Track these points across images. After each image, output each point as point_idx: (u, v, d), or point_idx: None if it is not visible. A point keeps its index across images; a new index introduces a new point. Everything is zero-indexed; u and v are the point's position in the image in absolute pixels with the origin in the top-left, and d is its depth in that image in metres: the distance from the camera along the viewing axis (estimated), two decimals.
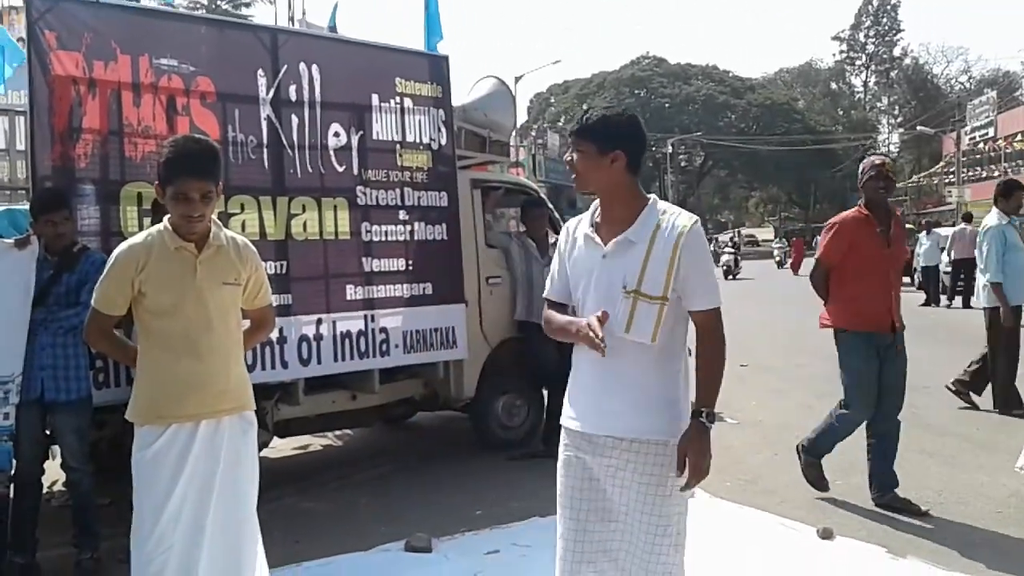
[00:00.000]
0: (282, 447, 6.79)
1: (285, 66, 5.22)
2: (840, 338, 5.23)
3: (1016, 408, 7.39)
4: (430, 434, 7.66)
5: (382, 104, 5.71)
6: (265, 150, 5.12)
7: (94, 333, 3.16)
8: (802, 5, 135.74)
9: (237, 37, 5.22)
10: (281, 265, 5.10)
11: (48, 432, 4.43)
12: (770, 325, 15.33)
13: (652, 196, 2.71)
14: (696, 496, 5.24)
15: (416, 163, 5.87)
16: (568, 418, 2.74)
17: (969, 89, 65.70)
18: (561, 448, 2.77)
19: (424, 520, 4.97)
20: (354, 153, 5.54)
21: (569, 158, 2.72)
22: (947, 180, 44.49)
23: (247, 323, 3.32)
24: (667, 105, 60.13)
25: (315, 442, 7.28)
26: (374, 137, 5.66)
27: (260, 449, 3.53)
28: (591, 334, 2.50)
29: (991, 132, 40.39)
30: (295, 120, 5.26)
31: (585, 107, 2.92)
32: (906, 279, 24.09)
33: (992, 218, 7.53)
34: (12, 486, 4.26)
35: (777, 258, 40.15)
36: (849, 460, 6.18)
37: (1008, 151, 38.05)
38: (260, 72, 5.11)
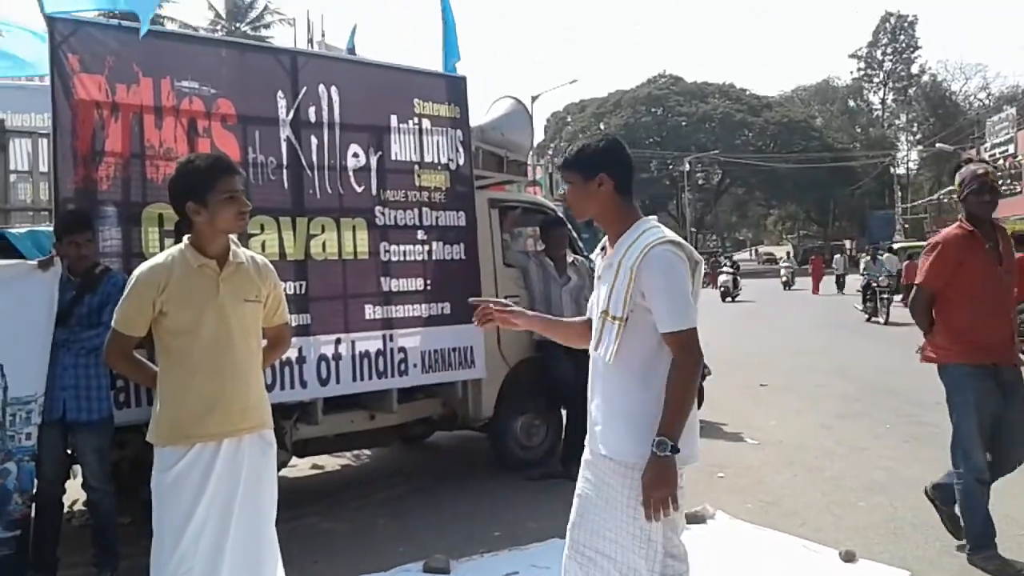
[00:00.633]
0: (301, 467, 6.80)
1: (304, 88, 5.26)
2: (950, 374, 4.46)
3: None
4: (448, 454, 7.64)
5: (400, 125, 5.75)
6: (285, 171, 5.16)
7: (114, 354, 3.16)
8: (819, 23, 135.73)
9: (257, 59, 5.28)
10: (300, 285, 5.12)
11: (69, 452, 4.46)
12: (786, 345, 15.25)
13: (644, 218, 2.75)
14: (716, 518, 5.24)
15: (434, 183, 5.90)
16: None
17: (988, 106, 65.22)
18: None
19: (442, 540, 4.96)
20: (373, 174, 5.57)
21: (562, 193, 2.83)
22: None
23: (264, 341, 3.33)
24: (684, 123, 60.13)
25: (333, 462, 7.28)
26: (392, 158, 5.69)
27: (279, 469, 3.53)
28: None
29: (1011, 149, 40.05)
30: (314, 141, 5.30)
31: (565, 144, 2.98)
32: None
33: None
34: (34, 506, 4.29)
35: (784, 278, 36.42)
36: (871, 479, 6.14)
37: None
38: (280, 94, 5.16)
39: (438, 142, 5.95)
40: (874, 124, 75.34)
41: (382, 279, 5.56)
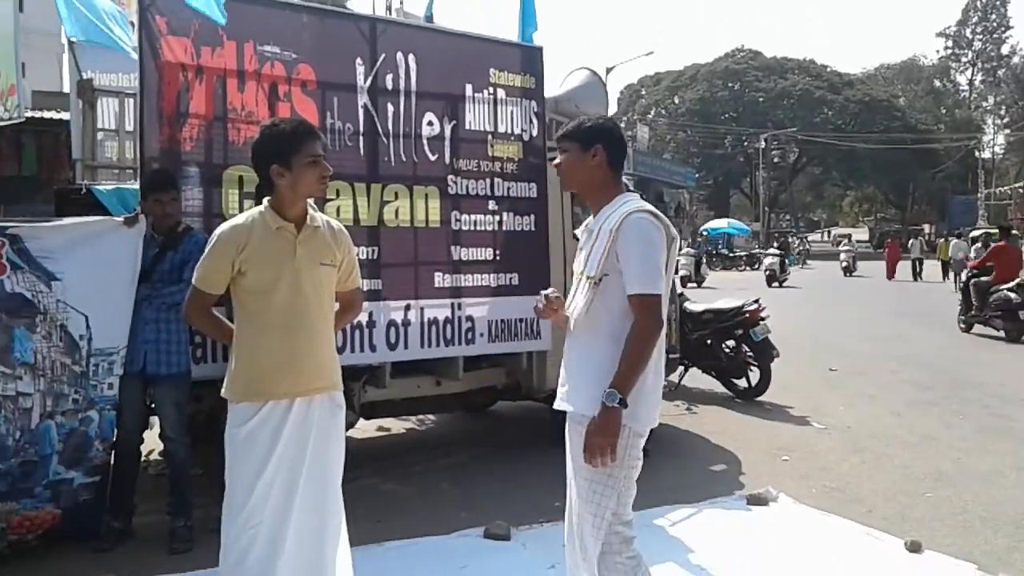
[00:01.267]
0: (367, 429, 6.93)
1: (383, 55, 5.30)
2: None
3: None
4: (511, 424, 7.70)
5: (475, 94, 5.75)
6: (361, 138, 5.21)
7: (193, 311, 3.25)
8: (906, 0, 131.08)
9: (338, 26, 5.32)
10: (373, 251, 5.19)
11: (149, 403, 4.62)
12: (859, 330, 14.95)
13: (627, 192, 2.96)
14: (779, 500, 5.20)
15: (507, 154, 5.90)
16: None
17: None
18: None
19: (503, 508, 5.02)
20: (446, 142, 5.59)
21: (556, 162, 3.02)
22: None
23: (336, 305, 3.39)
24: (761, 99, 58.97)
25: (398, 425, 7.40)
26: (466, 127, 5.70)
27: (347, 429, 3.61)
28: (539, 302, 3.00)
29: None
30: (391, 109, 5.34)
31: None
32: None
33: None
34: (113, 454, 4.46)
35: (844, 263, 32.76)
36: (940, 470, 6.02)
37: None
38: (359, 61, 5.20)
39: (512, 112, 5.95)
40: (960, 106, 72.84)
41: (452, 248, 5.60)
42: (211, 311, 3.27)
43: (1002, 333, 13.44)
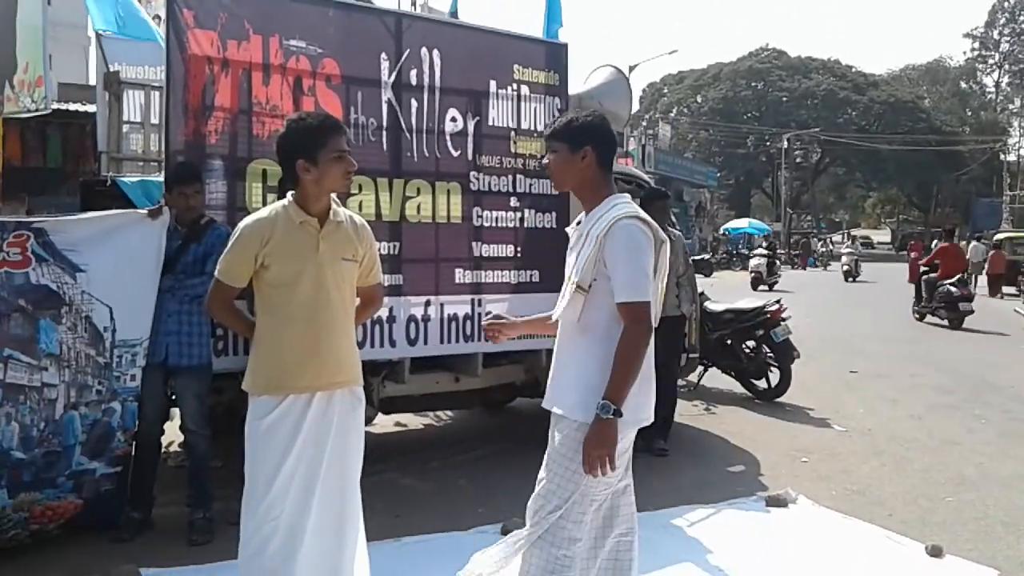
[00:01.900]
0: (385, 424, 6.94)
1: (407, 50, 5.30)
2: None
3: None
4: (529, 420, 7.67)
5: (499, 91, 5.74)
6: (384, 133, 5.21)
7: (216, 303, 3.26)
8: (932, 1, 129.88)
9: (363, 20, 5.31)
10: (394, 246, 5.19)
11: (169, 395, 4.65)
12: (879, 332, 14.84)
13: (618, 194, 2.89)
14: (798, 502, 5.17)
15: (529, 150, 5.88)
16: None
17: None
18: None
19: (521, 505, 4.95)
20: (469, 139, 5.59)
21: (545, 160, 2.98)
22: None
23: (357, 300, 3.39)
24: (785, 99, 58.63)
25: (416, 421, 7.41)
26: (489, 123, 5.69)
27: (366, 424, 3.62)
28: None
29: None
30: (414, 104, 5.34)
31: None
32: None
33: None
34: (134, 445, 4.49)
35: (845, 267, 30.19)
36: (962, 474, 5.97)
37: None
38: (383, 56, 5.20)
39: (535, 109, 5.93)
40: (986, 108, 72.09)
41: (473, 244, 5.59)
42: (233, 304, 3.28)
43: (946, 322, 15.77)
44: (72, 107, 9.10)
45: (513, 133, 5.81)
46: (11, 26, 5.56)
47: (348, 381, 3.20)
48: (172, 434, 5.12)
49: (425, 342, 5.35)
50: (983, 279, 24.03)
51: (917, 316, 16.94)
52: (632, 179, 7.33)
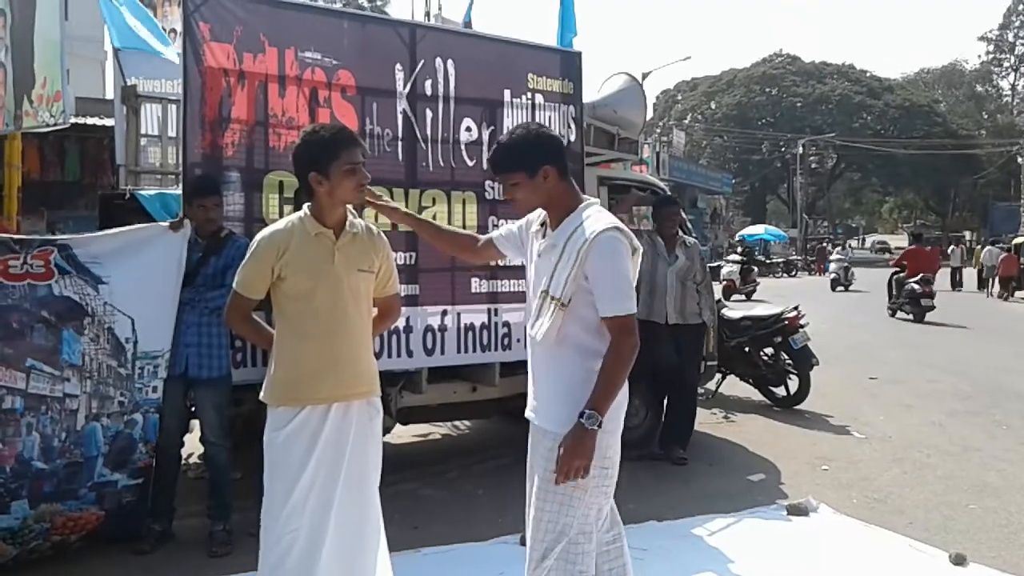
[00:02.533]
0: (403, 434, 6.94)
1: (422, 61, 5.31)
2: None
3: None
4: None
5: (514, 100, 5.74)
6: (400, 143, 5.23)
7: (234, 315, 3.27)
8: (947, 4, 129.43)
9: (377, 32, 5.34)
10: (411, 256, 5.20)
11: (189, 407, 4.66)
12: (898, 338, 14.74)
13: (586, 200, 2.89)
14: (819, 511, 5.13)
15: None
16: None
17: None
18: None
19: None
20: (484, 148, 5.59)
21: (508, 196, 2.92)
22: None
23: (374, 311, 3.40)
24: (799, 104, 58.43)
25: (434, 431, 7.41)
26: (504, 132, 5.69)
27: (383, 435, 3.62)
28: None
29: None
30: (429, 114, 5.36)
31: (497, 143, 3.00)
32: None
33: None
34: (155, 457, 4.50)
35: (833, 275, 27.92)
36: (983, 481, 5.91)
37: None
38: (398, 66, 5.22)
39: (550, 117, 5.93)
40: (1002, 111, 71.65)
41: None
42: (251, 316, 3.29)
43: (911, 316, 17.51)
44: (90, 121, 9.18)
45: None
46: (29, 41, 5.61)
47: (366, 392, 3.20)
48: (192, 446, 5.13)
49: (442, 352, 5.35)
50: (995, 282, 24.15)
51: (890, 312, 18.44)
52: (648, 187, 7.32)
